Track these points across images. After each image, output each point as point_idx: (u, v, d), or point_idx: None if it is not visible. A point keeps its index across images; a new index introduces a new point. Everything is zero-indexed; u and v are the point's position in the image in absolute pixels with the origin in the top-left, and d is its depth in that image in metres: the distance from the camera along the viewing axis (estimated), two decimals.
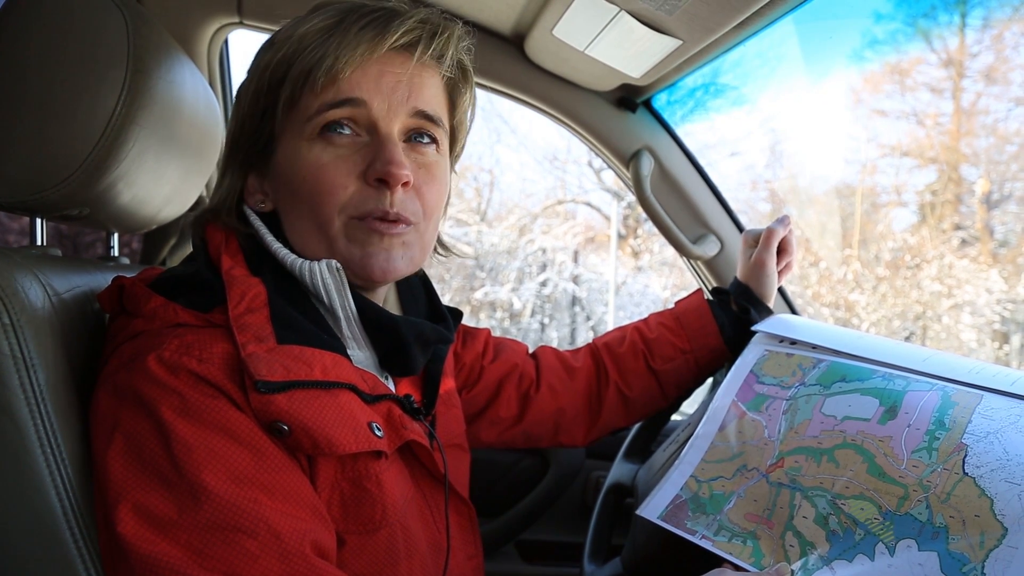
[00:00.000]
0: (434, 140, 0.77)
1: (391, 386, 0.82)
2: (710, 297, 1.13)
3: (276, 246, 0.74)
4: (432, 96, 0.76)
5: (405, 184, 0.72)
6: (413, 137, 0.75)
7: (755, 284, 1.10)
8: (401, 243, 0.74)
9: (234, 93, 0.84)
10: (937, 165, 8.68)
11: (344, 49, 0.69)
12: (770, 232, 1.09)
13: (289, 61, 0.72)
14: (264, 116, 0.75)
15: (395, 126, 0.73)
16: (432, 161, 0.77)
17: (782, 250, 1.11)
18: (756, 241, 1.11)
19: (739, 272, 1.14)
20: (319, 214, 0.72)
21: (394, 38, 0.71)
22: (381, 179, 0.71)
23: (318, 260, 0.73)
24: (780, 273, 1.12)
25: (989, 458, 0.62)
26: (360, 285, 0.78)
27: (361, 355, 0.78)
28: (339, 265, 0.73)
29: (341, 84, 0.71)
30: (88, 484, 0.65)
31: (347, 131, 0.72)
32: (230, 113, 0.81)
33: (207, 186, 1.30)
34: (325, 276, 0.72)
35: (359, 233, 0.72)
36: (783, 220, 1.11)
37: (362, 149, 0.72)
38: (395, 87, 0.72)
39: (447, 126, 0.79)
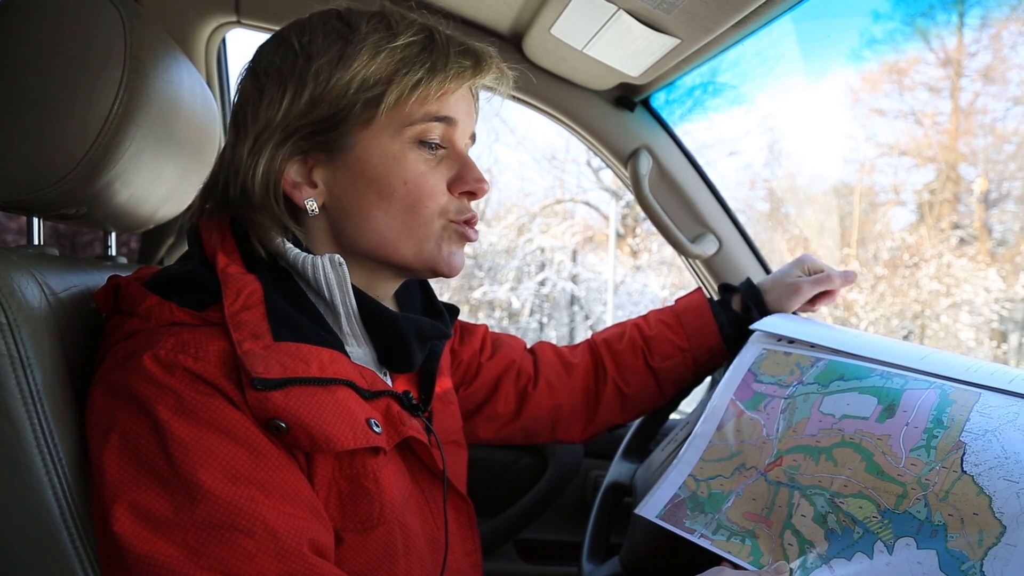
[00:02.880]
0: None
1: (389, 383, 0.82)
2: (711, 296, 1.13)
3: (279, 240, 0.74)
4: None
5: (481, 197, 0.79)
6: None
7: (773, 297, 1.08)
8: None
9: (238, 83, 0.77)
10: (935, 164, 8.70)
11: (452, 70, 0.74)
12: (830, 278, 1.06)
13: (396, 66, 0.72)
14: (348, 109, 0.72)
15: (464, 144, 0.80)
16: None
17: (819, 297, 1.08)
18: (809, 271, 1.09)
19: (766, 280, 1.11)
20: (417, 215, 0.75)
21: (488, 75, 0.77)
22: (470, 192, 0.78)
23: (323, 255, 0.73)
24: (801, 308, 1.10)
25: (987, 456, 0.62)
26: (373, 279, 0.79)
27: (359, 351, 0.78)
28: (342, 260, 0.73)
29: (445, 101, 0.75)
30: (85, 484, 0.65)
31: (435, 143, 0.76)
32: (269, 91, 0.72)
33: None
34: (327, 271, 0.73)
35: (454, 235, 0.78)
36: (847, 276, 1.07)
37: (444, 161, 0.77)
38: (469, 112, 0.79)
39: None
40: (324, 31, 0.73)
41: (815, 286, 1.06)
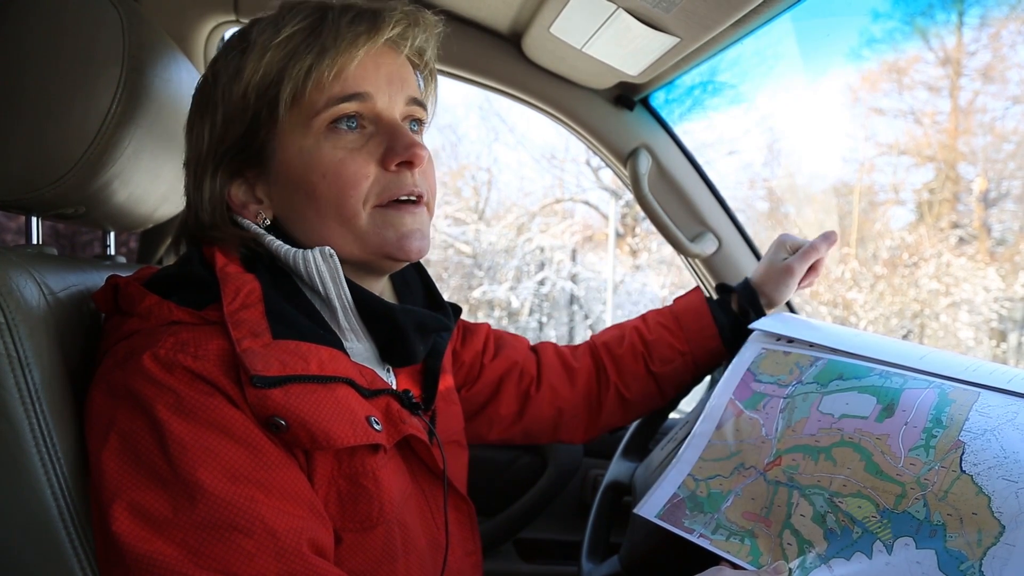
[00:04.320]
0: (421, 125, 0.81)
1: (392, 381, 0.82)
2: (709, 295, 1.12)
3: (269, 238, 0.74)
4: (416, 84, 0.80)
5: (420, 164, 0.75)
6: (408, 124, 0.78)
7: (771, 288, 1.07)
8: (423, 221, 0.77)
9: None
10: (935, 163, 8.71)
11: (343, 43, 0.70)
12: (814, 247, 1.05)
13: (284, 61, 0.71)
14: (256, 119, 0.72)
15: (396, 114, 0.76)
16: (425, 145, 0.80)
17: (812, 269, 1.08)
18: (792, 249, 1.08)
19: (757, 272, 1.10)
20: (344, 208, 0.72)
21: (389, 31, 0.73)
22: (405, 162, 0.73)
23: (312, 248, 0.72)
24: (800, 285, 1.09)
25: (986, 456, 0.62)
26: (361, 274, 0.78)
27: (360, 347, 0.78)
28: (332, 251, 0.72)
29: (347, 79, 0.72)
30: (84, 484, 0.65)
31: (355, 124, 0.73)
32: (196, 124, 0.76)
33: None
34: (319, 263, 0.72)
35: (388, 218, 0.74)
36: (828, 237, 1.06)
37: (372, 138, 0.74)
38: (391, 78, 0.75)
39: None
40: (227, 51, 0.74)
41: (804, 261, 1.06)
